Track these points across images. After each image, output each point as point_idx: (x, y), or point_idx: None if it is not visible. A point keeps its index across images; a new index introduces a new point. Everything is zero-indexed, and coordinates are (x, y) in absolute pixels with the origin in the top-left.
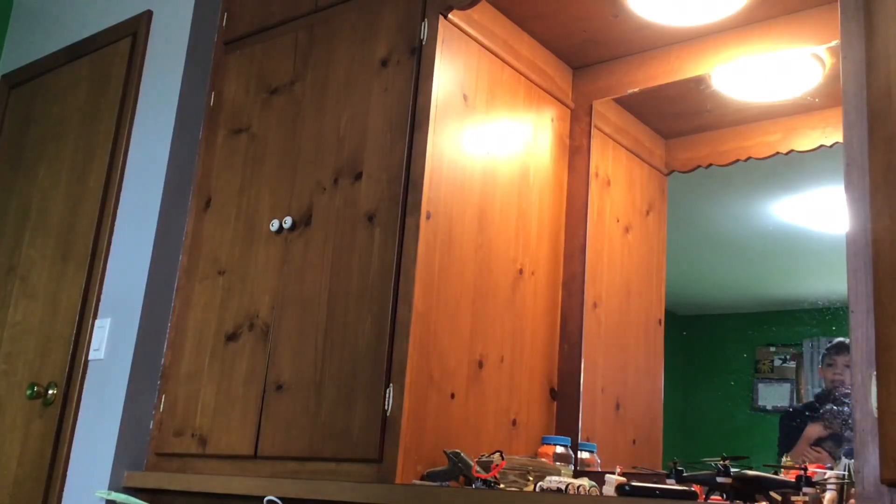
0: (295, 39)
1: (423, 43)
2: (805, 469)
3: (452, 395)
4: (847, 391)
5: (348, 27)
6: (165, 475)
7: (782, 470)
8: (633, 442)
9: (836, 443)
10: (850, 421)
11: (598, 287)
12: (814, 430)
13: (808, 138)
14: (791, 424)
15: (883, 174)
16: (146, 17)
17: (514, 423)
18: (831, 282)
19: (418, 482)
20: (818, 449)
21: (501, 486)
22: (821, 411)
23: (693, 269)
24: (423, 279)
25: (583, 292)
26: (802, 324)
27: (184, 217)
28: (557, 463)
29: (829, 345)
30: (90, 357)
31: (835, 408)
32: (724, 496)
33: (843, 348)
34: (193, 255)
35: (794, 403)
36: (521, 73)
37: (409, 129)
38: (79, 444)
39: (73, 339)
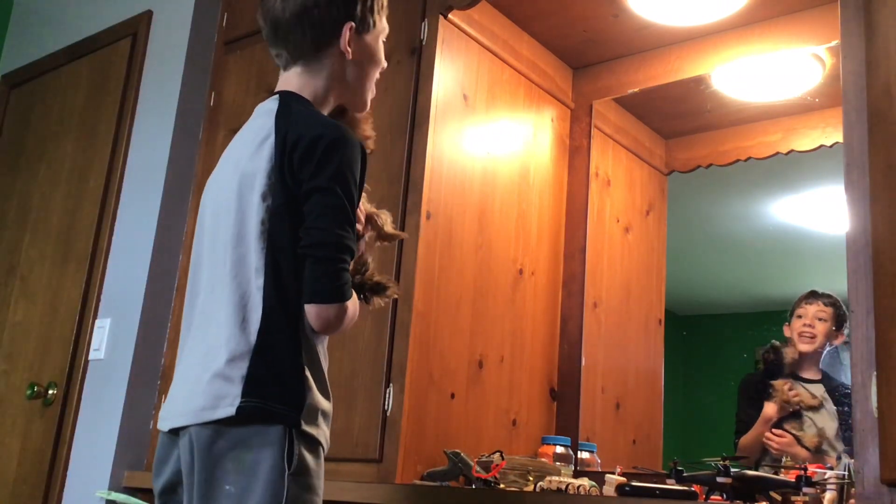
0: None
1: (423, 43)
2: (805, 469)
3: (452, 395)
4: (808, 346)
5: None
6: None
7: (782, 470)
8: (633, 442)
9: (800, 422)
10: (809, 390)
11: (598, 287)
12: (771, 408)
13: (808, 138)
14: (749, 397)
15: (883, 174)
16: (146, 17)
17: (514, 423)
18: (831, 282)
19: (418, 482)
20: (781, 432)
21: (501, 486)
22: (775, 382)
23: (693, 269)
24: (423, 279)
25: (583, 292)
26: None
27: (184, 217)
28: (557, 463)
29: (800, 296)
30: (90, 357)
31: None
32: (724, 496)
33: (816, 297)
34: None
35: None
36: (521, 73)
37: (409, 129)
38: (79, 444)
39: (73, 339)
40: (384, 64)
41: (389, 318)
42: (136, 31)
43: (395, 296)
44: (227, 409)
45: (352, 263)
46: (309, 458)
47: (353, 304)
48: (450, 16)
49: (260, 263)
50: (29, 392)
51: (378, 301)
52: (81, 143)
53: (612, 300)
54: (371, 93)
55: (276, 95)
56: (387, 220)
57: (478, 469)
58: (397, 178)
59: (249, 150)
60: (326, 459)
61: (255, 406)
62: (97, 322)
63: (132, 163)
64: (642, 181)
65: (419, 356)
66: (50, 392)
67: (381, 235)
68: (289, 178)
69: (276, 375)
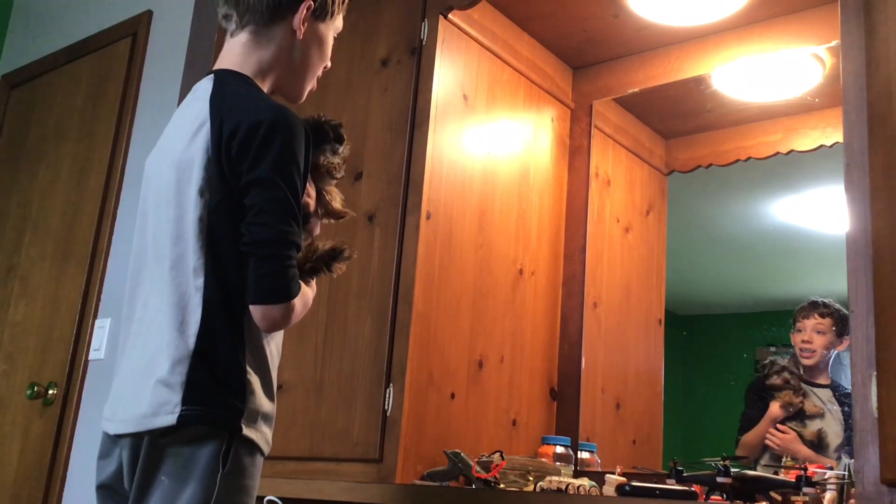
0: None
1: (423, 43)
2: (805, 469)
3: (452, 395)
4: (809, 361)
5: (348, 27)
6: None
7: (782, 470)
8: (633, 442)
9: (802, 420)
10: (815, 395)
11: (598, 287)
12: (776, 407)
13: (808, 138)
14: (756, 398)
15: (883, 174)
16: (146, 17)
17: (514, 423)
18: (831, 282)
19: (418, 482)
20: (785, 427)
21: (501, 486)
22: (782, 385)
23: (693, 269)
24: (423, 279)
25: (583, 292)
26: None
27: None
28: (557, 463)
29: (799, 306)
30: (90, 357)
31: (799, 382)
32: (724, 496)
33: (813, 308)
34: None
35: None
36: (521, 73)
37: (409, 129)
38: (79, 444)
39: (73, 339)
40: (328, 63)
41: (389, 318)
42: (136, 31)
43: (354, 254)
44: (168, 418)
45: (303, 250)
46: (245, 458)
47: (303, 296)
48: (450, 16)
49: (198, 263)
50: (29, 392)
51: (339, 266)
52: (81, 143)
53: (612, 300)
54: (311, 85)
55: (212, 75)
56: (336, 197)
57: (478, 469)
58: (397, 178)
59: (185, 138)
60: (326, 459)
61: (196, 414)
62: (97, 322)
63: (132, 163)
64: (642, 181)
65: (419, 356)
66: (50, 392)
67: (329, 213)
68: (227, 169)
69: (216, 380)
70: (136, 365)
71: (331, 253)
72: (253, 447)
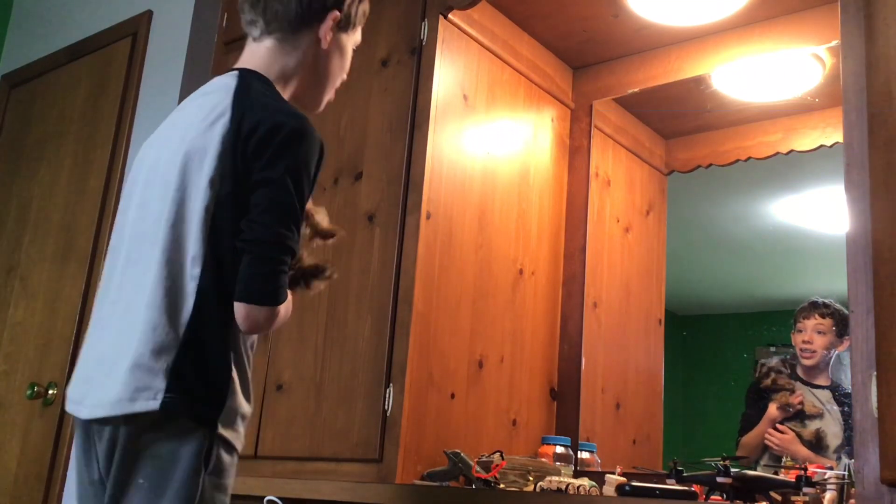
0: None
1: (423, 43)
2: (805, 469)
3: (452, 395)
4: (809, 361)
5: None
6: None
7: (782, 470)
8: (633, 442)
9: (802, 421)
10: (815, 396)
11: (598, 287)
12: (774, 408)
13: (808, 138)
14: (756, 398)
15: (883, 174)
16: (146, 17)
17: (514, 423)
18: (831, 282)
19: (418, 482)
20: (784, 428)
21: (501, 486)
22: (773, 387)
23: (693, 269)
24: (423, 279)
25: (583, 292)
26: None
27: None
28: (557, 463)
29: (800, 306)
30: None
31: (790, 381)
32: (724, 496)
33: (814, 308)
34: None
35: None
36: (521, 73)
37: (409, 129)
38: None
39: (73, 339)
40: (345, 75)
41: (389, 318)
42: (136, 31)
43: (335, 275)
44: (150, 403)
45: None
46: (225, 457)
47: (286, 305)
48: (450, 16)
49: (198, 252)
50: (29, 392)
51: (318, 284)
52: (81, 143)
53: (612, 300)
54: (329, 96)
55: (236, 72)
56: (324, 218)
57: (478, 469)
58: (397, 178)
59: (200, 126)
60: (326, 459)
61: (179, 402)
62: None
63: (132, 163)
64: (642, 181)
65: (419, 356)
66: (50, 392)
67: (318, 232)
68: (240, 164)
69: (201, 373)
70: (109, 347)
71: (313, 270)
72: (230, 447)
